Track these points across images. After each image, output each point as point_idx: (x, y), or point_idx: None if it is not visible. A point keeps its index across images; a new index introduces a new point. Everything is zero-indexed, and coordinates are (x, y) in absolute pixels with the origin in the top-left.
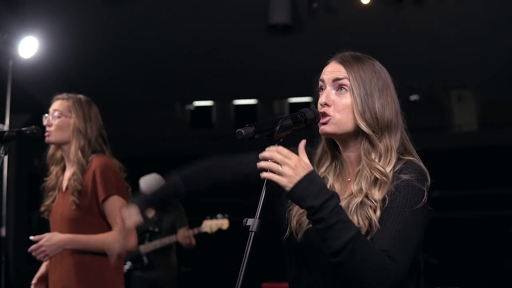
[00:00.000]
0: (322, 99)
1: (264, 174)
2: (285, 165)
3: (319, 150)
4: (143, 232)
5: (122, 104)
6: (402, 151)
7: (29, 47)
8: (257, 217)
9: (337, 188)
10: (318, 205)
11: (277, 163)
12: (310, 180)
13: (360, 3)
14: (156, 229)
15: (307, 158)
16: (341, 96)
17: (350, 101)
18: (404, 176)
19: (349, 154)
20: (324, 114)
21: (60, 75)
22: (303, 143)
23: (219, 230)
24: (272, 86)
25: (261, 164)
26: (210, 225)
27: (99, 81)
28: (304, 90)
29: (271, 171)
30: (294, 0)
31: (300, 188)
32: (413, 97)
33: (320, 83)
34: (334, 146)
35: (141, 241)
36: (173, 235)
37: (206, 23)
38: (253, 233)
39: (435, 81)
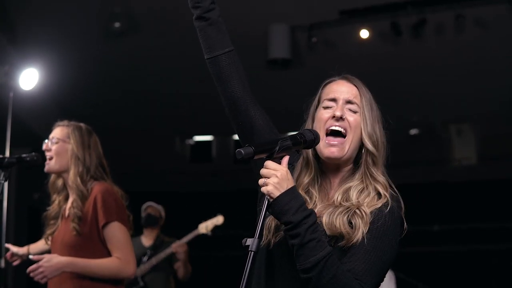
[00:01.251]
0: (337, 112)
1: (262, 190)
2: (272, 177)
3: (301, 162)
4: (140, 257)
5: (121, 138)
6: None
7: (29, 78)
8: (257, 237)
9: (321, 198)
10: (297, 221)
11: (266, 177)
12: (292, 195)
13: (359, 37)
14: (152, 252)
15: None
16: (352, 115)
17: (359, 122)
18: (392, 202)
19: (337, 175)
20: (338, 131)
21: (60, 108)
22: (286, 159)
23: (215, 227)
24: (272, 120)
25: (259, 181)
26: (206, 225)
27: (98, 114)
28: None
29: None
30: (294, 35)
31: (282, 201)
32: (413, 131)
33: (327, 101)
34: (318, 162)
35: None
36: (168, 248)
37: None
38: (252, 252)
39: (434, 115)
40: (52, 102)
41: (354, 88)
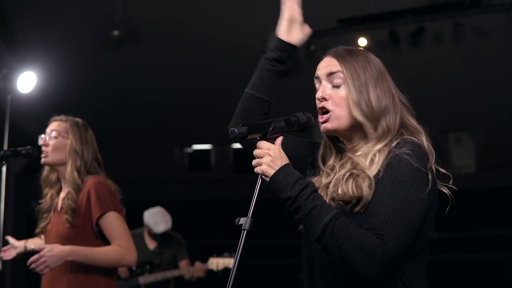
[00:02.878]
0: (318, 93)
1: (255, 170)
2: (265, 156)
3: (321, 145)
4: (144, 264)
5: (120, 146)
6: (402, 132)
7: (27, 82)
8: (250, 216)
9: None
10: (295, 195)
11: (259, 157)
12: (287, 171)
13: (358, 45)
14: (157, 261)
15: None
16: (337, 90)
17: (345, 94)
18: (399, 151)
19: (354, 144)
20: (323, 109)
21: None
22: (280, 139)
23: (225, 269)
24: None
25: (253, 162)
26: (217, 262)
27: (96, 121)
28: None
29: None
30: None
31: (277, 179)
32: None
33: (315, 80)
34: (337, 139)
35: (141, 273)
36: (176, 270)
37: (204, 66)
38: (245, 231)
39: (433, 123)
40: (50, 106)
41: (333, 60)
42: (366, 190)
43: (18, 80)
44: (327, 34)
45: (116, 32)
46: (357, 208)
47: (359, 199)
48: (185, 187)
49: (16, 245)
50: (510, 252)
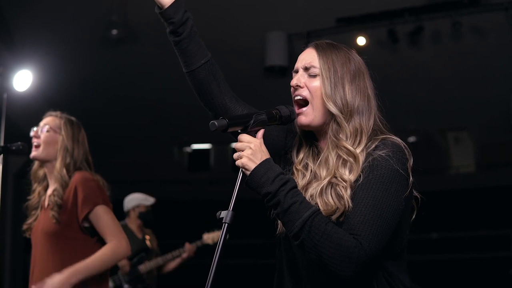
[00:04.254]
0: (293, 81)
1: (236, 163)
2: (246, 149)
3: (295, 140)
4: (139, 252)
5: (118, 146)
6: (376, 133)
7: (23, 80)
8: (231, 209)
9: (321, 173)
10: (274, 190)
11: (240, 150)
12: (268, 166)
13: (356, 45)
14: (151, 247)
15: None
16: (312, 80)
17: (320, 84)
18: (378, 152)
19: (325, 141)
20: (300, 100)
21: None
22: (261, 132)
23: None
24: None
25: (234, 155)
26: (212, 237)
27: (93, 122)
28: None
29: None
30: (291, 42)
31: (258, 173)
32: (411, 139)
33: (294, 72)
34: (310, 135)
35: (139, 261)
36: (175, 251)
37: None
38: (226, 224)
39: (432, 123)
40: (46, 104)
41: (313, 51)
42: (348, 200)
43: (14, 79)
44: (326, 33)
45: (114, 31)
46: (341, 219)
47: (342, 210)
48: (184, 187)
49: None
50: (509, 252)
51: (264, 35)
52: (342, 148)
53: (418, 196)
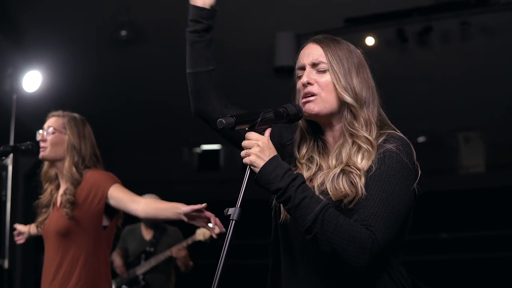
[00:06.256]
0: (303, 79)
1: (244, 161)
2: (253, 146)
3: (297, 135)
4: (140, 254)
5: (128, 147)
6: (381, 125)
7: (32, 81)
8: (238, 206)
9: (324, 166)
10: (285, 186)
11: (248, 148)
12: (276, 163)
13: (365, 45)
14: (152, 249)
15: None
16: (321, 75)
17: (330, 79)
18: (389, 145)
19: (334, 133)
20: (309, 93)
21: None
22: (268, 130)
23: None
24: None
25: (241, 153)
26: (203, 232)
27: (103, 123)
28: None
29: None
30: (300, 42)
31: (267, 170)
32: (420, 139)
33: (298, 71)
34: (314, 129)
35: (137, 263)
36: (168, 250)
37: None
38: (233, 221)
39: (441, 123)
40: (55, 105)
41: (318, 47)
42: (362, 188)
43: (24, 79)
44: (334, 34)
45: (123, 32)
46: (351, 206)
47: (352, 196)
48: (194, 188)
49: (23, 231)
50: None
51: (273, 35)
52: (361, 137)
53: (416, 190)
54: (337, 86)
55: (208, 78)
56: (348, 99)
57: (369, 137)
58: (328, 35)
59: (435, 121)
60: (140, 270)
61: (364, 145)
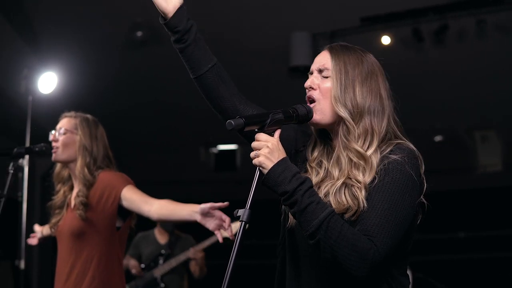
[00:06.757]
0: (307, 83)
1: (253, 162)
2: (263, 148)
3: (311, 138)
4: (156, 256)
5: (144, 147)
6: (390, 137)
7: (48, 82)
8: (248, 208)
9: (334, 172)
10: (292, 189)
11: (257, 149)
12: (285, 165)
13: (381, 44)
14: (169, 251)
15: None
16: (324, 81)
17: (331, 86)
18: (394, 156)
19: (338, 141)
20: (310, 98)
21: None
22: (278, 131)
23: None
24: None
25: (250, 154)
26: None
27: (119, 124)
28: None
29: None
30: (315, 42)
31: (275, 172)
32: (437, 138)
33: (309, 72)
34: (325, 134)
35: (154, 265)
36: (187, 251)
37: (227, 67)
38: (243, 223)
39: (458, 121)
40: (71, 107)
41: (327, 54)
42: (363, 201)
43: (39, 81)
44: (350, 33)
45: (139, 33)
46: (353, 218)
47: (355, 209)
48: (210, 188)
49: (37, 231)
50: None
51: (288, 35)
52: (352, 149)
53: (425, 202)
54: (332, 95)
55: (213, 76)
56: (341, 111)
57: (360, 150)
58: (344, 44)
59: (451, 120)
60: (159, 271)
61: (354, 159)
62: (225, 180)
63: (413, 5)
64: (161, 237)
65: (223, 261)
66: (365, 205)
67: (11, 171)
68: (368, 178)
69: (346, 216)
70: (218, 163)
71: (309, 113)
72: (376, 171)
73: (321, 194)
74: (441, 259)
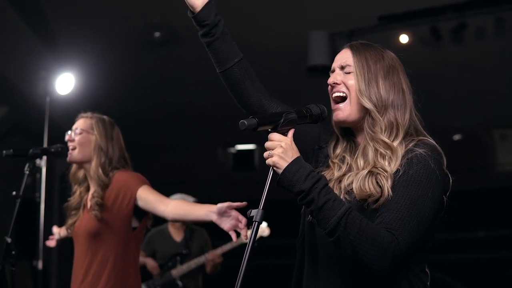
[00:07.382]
0: (330, 79)
1: (267, 162)
2: (276, 147)
3: (333, 136)
4: (174, 256)
5: (162, 148)
6: (412, 132)
7: (65, 83)
8: (261, 208)
9: (354, 166)
10: (308, 188)
11: (270, 149)
12: (299, 164)
13: (399, 42)
14: (186, 251)
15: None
16: (347, 77)
17: (355, 82)
18: (418, 150)
19: (362, 137)
20: (337, 93)
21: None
22: (292, 131)
23: (260, 238)
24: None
25: (264, 154)
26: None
27: (137, 124)
28: None
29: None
30: (333, 41)
31: (290, 172)
32: (456, 137)
33: (331, 70)
34: (347, 132)
35: (173, 266)
36: (207, 253)
37: None
38: (256, 223)
39: (477, 120)
40: (88, 107)
41: (348, 51)
42: (388, 189)
43: (57, 82)
44: (368, 32)
45: (157, 34)
46: (375, 206)
47: (377, 197)
48: (228, 188)
49: (55, 232)
50: None
51: (306, 34)
52: (379, 141)
53: (445, 199)
54: (357, 89)
55: (239, 71)
56: (366, 103)
57: (387, 141)
58: (364, 41)
59: (471, 119)
60: (177, 272)
61: (381, 149)
62: (243, 180)
63: (431, 4)
64: (175, 233)
65: (237, 261)
66: (391, 193)
67: (27, 172)
68: (394, 168)
69: (369, 200)
70: (236, 163)
71: (323, 112)
72: (400, 164)
73: (345, 183)
74: (460, 258)
